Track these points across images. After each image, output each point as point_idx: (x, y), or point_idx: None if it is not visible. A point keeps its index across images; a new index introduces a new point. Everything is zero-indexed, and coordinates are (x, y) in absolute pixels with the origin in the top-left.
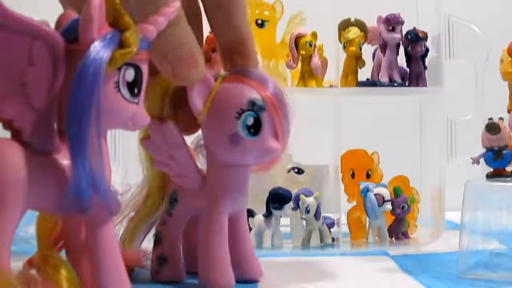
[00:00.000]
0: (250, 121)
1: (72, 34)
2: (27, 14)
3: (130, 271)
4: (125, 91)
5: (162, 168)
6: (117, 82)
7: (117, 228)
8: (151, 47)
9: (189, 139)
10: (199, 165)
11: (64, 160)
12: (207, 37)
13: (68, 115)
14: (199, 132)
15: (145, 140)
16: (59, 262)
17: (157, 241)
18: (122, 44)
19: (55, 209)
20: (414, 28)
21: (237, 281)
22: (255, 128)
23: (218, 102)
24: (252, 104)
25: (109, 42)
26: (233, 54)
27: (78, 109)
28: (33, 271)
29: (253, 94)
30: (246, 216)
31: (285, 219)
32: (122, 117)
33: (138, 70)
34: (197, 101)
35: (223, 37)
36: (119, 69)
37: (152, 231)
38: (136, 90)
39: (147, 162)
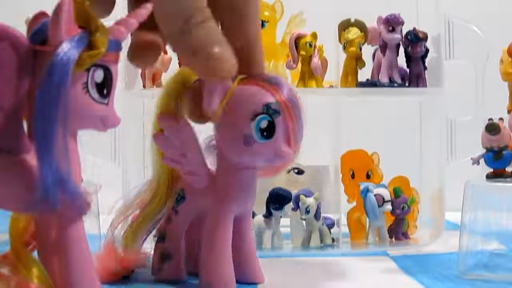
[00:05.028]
0: (264, 124)
1: (42, 35)
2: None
3: (130, 272)
4: (94, 92)
5: (172, 165)
6: (86, 83)
7: (121, 225)
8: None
9: (201, 139)
10: (209, 165)
11: (33, 160)
12: None
13: (34, 115)
14: (211, 132)
15: (158, 135)
16: (30, 260)
17: (161, 238)
18: (90, 46)
19: (24, 208)
20: (414, 29)
21: (238, 282)
22: (268, 132)
23: (233, 103)
24: (267, 107)
25: (77, 43)
26: (239, 61)
27: (45, 109)
28: (5, 269)
29: (269, 98)
30: (251, 219)
31: (285, 220)
32: (92, 118)
33: (107, 71)
34: (213, 101)
35: (231, 42)
36: (88, 70)
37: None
38: (105, 91)
39: (157, 157)
